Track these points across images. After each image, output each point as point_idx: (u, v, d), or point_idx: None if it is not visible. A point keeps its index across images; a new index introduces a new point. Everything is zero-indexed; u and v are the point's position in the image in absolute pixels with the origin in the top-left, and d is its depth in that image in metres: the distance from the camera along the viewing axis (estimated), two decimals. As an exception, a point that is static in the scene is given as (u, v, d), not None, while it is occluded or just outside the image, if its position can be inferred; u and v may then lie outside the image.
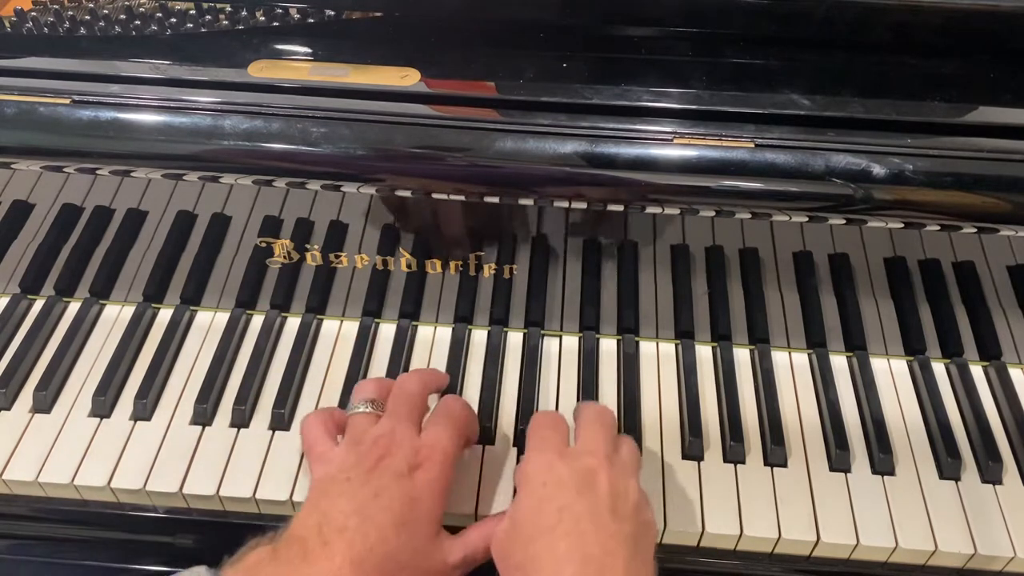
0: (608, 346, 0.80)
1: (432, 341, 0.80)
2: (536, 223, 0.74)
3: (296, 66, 0.70)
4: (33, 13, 0.76)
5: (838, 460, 0.71)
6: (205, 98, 0.67)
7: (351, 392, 0.71)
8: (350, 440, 0.64)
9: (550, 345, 0.80)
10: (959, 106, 0.69)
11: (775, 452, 0.71)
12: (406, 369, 0.78)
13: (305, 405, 0.75)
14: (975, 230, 0.67)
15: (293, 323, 0.81)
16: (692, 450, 0.72)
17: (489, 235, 0.75)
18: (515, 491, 0.63)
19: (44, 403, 0.74)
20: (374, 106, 0.67)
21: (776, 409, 0.75)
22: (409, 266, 0.77)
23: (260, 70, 0.69)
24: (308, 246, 0.76)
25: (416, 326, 0.81)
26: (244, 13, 0.76)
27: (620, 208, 0.70)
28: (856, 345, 0.79)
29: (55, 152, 0.68)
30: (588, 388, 0.76)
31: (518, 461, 0.71)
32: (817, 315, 0.78)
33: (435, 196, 0.69)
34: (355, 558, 0.56)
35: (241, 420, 0.73)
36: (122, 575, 0.73)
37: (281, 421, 0.73)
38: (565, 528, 0.56)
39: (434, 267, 0.77)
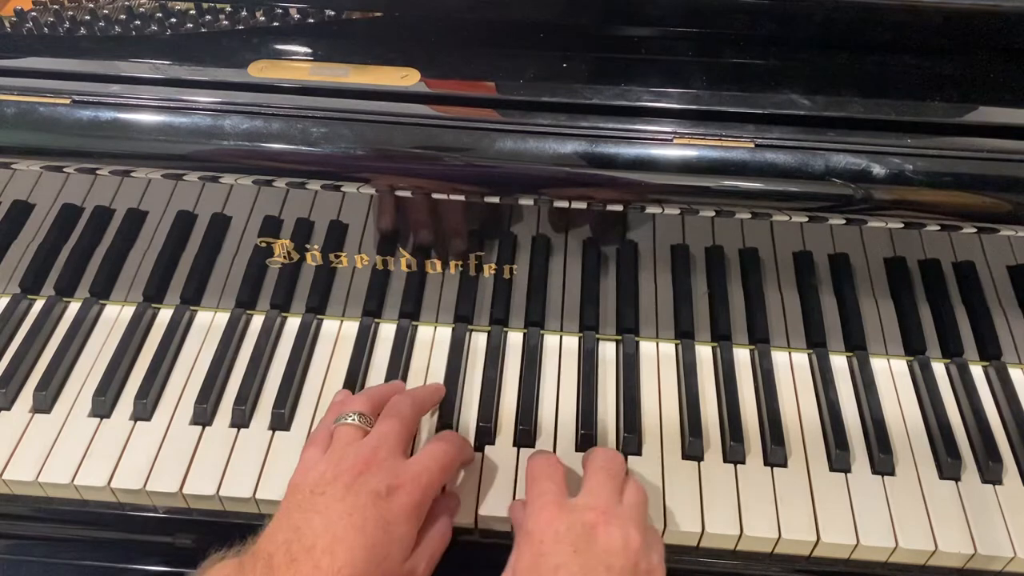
0: (608, 346, 0.80)
1: (432, 341, 0.80)
2: (536, 223, 0.74)
3: (296, 66, 0.70)
4: (33, 13, 0.76)
5: (838, 460, 0.71)
6: (205, 98, 0.67)
7: (339, 399, 0.71)
8: (333, 452, 0.63)
9: (550, 345, 0.80)
10: (959, 106, 0.69)
11: (775, 452, 0.71)
12: (406, 370, 0.78)
13: (305, 405, 0.75)
14: (975, 230, 0.67)
15: (293, 323, 0.81)
16: (692, 450, 0.72)
17: (489, 235, 0.75)
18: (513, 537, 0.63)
19: (44, 403, 0.74)
20: (374, 106, 0.67)
21: (776, 409, 0.75)
22: (409, 266, 0.77)
23: (260, 70, 0.69)
24: (308, 246, 0.76)
25: (416, 326, 0.81)
26: (244, 13, 0.76)
27: (620, 208, 0.70)
28: (856, 345, 0.79)
29: (55, 152, 0.68)
30: (588, 388, 0.76)
31: (518, 462, 0.71)
32: (817, 315, 0.78)
33: (435, 196, 0.69)
34: None
35: (241, 420, 0.73)
36: (122, 575, 0.73)
37: (281, 421, 0.73)
38: None
39: (434, 267, 0.77)
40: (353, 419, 0.65)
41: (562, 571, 0.56)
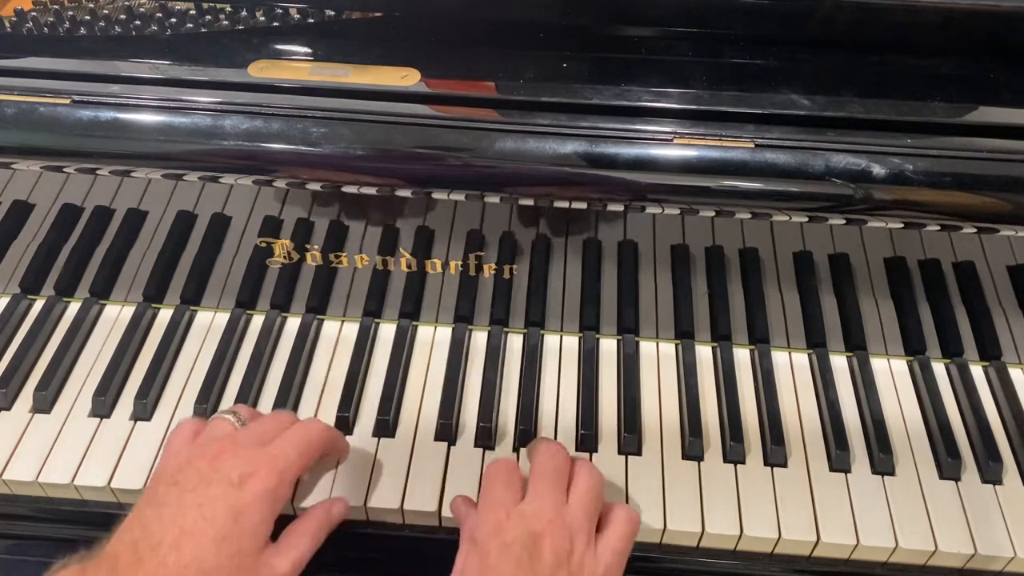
0: (608, 346, 0.80)
1: (432, 341, 0.80)
2: (536, 223, 0.74)
3: (296, 66, 0.70)
4: (33, 13, 0.76)
5: (838, 460, 0.71)
6: (205, 98, 0.67)
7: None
8: (198, 440, 0.62)
9: (550, 345, 0.80)
10: (959, 106, 0.69)
11: (775, 452, 0.71)
12: (406, 370, 0.78)
13: (306, 406, 0.75)
14: (975, 230, 0.67)
15: (293, 323, 0.81)
16: (692, 450, 0.72)
17: (489, 235, 0.75)
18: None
19: (44, 403, 0.74)
20: (374, 106, 0.67)
21: (776, 409, 0.75)
22: (409, 266, 0.77)
23: (260, 70, 0.69)
24: (308, 246, 0.76)
25: (416, 326, 0.81)
26: (244, 13, 0.76)
27: (620, 208, 0.70)
28: (856, 345, 0.79)
29: (55, 152, 0.68)
30: (588, 388, 0.76)
31: (517, 462, 0.71)
32: (817, 315, 0.78)
33: (435, 196, 0.69)
34: None
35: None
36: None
37: (281, 421, 0.73)
38: None
39: (434, 267, 0.77)
40: (229, 416, 0.64)
41: None
